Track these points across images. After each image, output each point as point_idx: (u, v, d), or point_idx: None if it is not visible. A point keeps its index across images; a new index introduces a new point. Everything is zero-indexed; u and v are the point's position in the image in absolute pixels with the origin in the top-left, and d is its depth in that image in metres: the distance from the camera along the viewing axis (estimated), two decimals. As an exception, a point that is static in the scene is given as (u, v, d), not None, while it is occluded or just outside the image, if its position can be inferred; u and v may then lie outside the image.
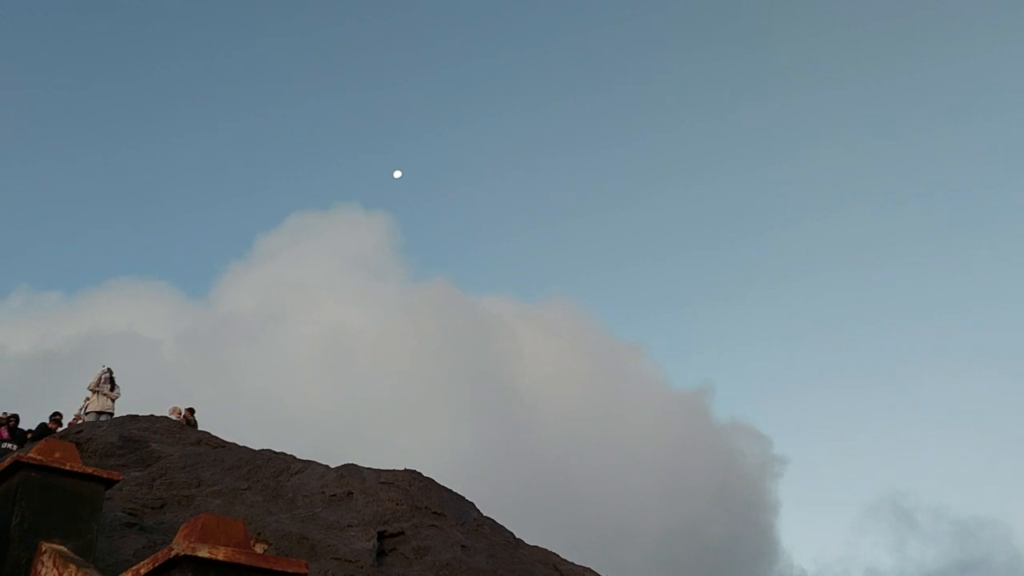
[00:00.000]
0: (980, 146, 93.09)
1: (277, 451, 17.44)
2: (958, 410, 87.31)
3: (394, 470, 16.88)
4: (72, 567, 8.32)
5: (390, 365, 58.74)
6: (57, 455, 9.34)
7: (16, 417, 19.21)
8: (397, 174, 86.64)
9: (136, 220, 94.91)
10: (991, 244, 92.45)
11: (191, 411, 19.48)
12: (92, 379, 20.30)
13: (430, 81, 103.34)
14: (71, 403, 20.95)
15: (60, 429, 18.56)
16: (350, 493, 15.42)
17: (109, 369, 20.20)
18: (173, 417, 19.09)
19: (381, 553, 13.89)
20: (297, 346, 59.26)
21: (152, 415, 18.93)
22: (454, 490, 16.58)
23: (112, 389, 20.24)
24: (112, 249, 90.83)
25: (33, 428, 19.06)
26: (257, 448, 17.56)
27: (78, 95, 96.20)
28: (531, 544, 16.25)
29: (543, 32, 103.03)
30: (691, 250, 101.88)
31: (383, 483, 16.05)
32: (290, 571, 6.74)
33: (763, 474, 63.30)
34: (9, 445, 18.07)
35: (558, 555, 16.30)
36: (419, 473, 16.85)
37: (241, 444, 17.91)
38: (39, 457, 9.22)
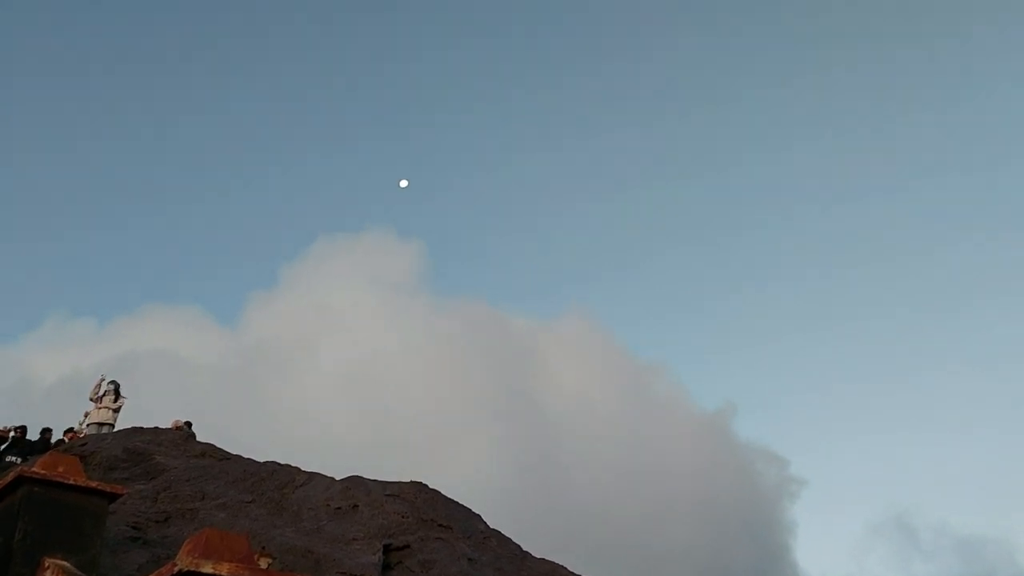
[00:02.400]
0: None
1: (282, 463, 17.36)
2: (966, 423, 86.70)
3: (400, 482, 16.79)
4: (75, 583, 8.24)
5: (416, 387, 58.68)
6: (61, 469, 9.26)
7: (23, 429, 19.13)
8: (403, 183, 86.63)
9: (166, 244, 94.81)
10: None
11: (188, 424, 19.43)
12: (90, 389, 20.13)
13: (444, 96, 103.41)
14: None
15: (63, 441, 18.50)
16: (355, 506, 15.32)
17: (113, 382, 20.09)
18: (175, 429, 19.00)
19: (387, 567, 13.79)
20: (325, 370, 59.23)
21: (156, 427, 18.86)
22: (462, 503, 16.48)
23: (115, 400, 20.16)
24: (143, 274, 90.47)
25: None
26: (262, 460, 17.48)
27: (107, 123, 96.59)
28: (538, 557, 16.12)
29: (562, 50, 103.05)
30: (708, 268, 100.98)
31: (389, 495, 15.95)
32: (295, 587, 6.66)
33: (780, 495, 63.10)
34: (13, 458, 18.00)
35: (565, 568, 16.18)
36: (425, 485, 16.76)
37: (246, 456, 17.83)
38: (42, 471, 9.15)
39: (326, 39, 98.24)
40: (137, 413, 20.56)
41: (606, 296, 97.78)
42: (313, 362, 60.17)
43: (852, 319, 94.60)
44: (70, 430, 18.94)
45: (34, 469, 9.23)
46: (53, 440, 18.82)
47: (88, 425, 20.02)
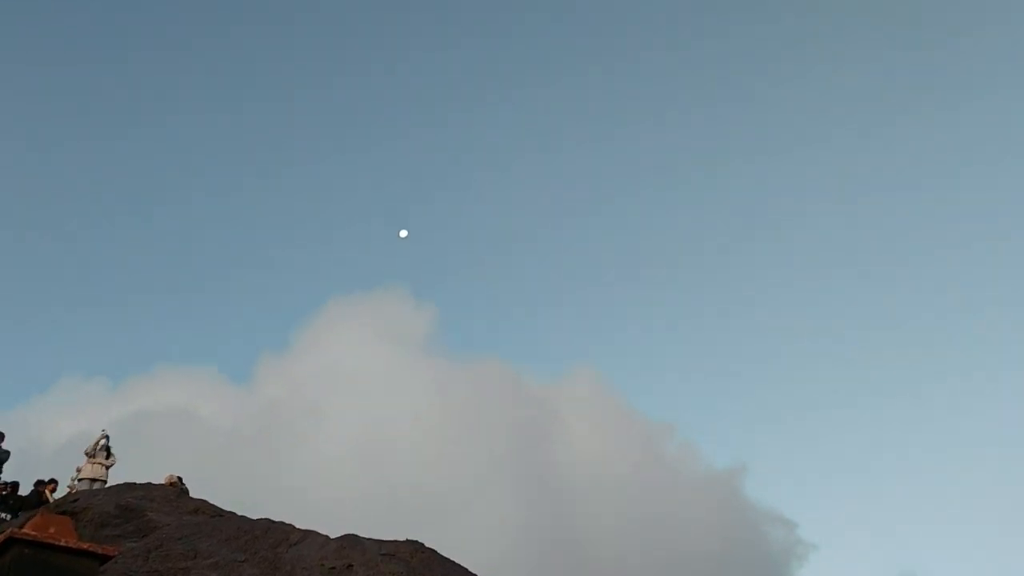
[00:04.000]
0: None
1: (276, 520, 17.09)
2: (973, 489, 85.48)
3: (396, 541, 16.51)
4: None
5: (429, 447, 58.10)
6: (52, 530, 9.09)
7: (15, 485, 18.87)
8: (403, 233, 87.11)
9: (180, 305, 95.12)
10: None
11: (180, 479, 19.19)
12: (89, 444, 19.93)
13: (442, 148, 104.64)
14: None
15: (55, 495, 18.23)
16: (350, 565, 15.04)
17: (107, 436, 19.87)
18: (168, 484, 18.75)
19: (381, 629, 13.47)
20: (336, 432, 58.73)
21: (149, 483, 18.62)
22: (460, 563, 16.18)
23: (108, 456, 19.94)
24: (158, 335, 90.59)
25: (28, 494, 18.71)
26: (255, 517, 17.20)
27: (115, 181, 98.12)
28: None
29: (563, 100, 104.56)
30: (710, 328, 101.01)
31: (384, 555, 15.66)
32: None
33: (789, 557, 62.17)
34: (4, 515, 17.74)
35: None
36: (421, 544, 16.48)
37: (240, 513, 17.56)
38: (33, 532, 8.97)
39: (334, 113, 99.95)
40: (145, 469, 20.32)
41: (613, 356, 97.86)
42: (325, 423, 59.72)
43: (865, 383, 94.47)
44: (50, 481, 18.58)
45: (24, 530, 9.06)
46: (31, 490, 18.52)
47: (80, 480, 19.72)
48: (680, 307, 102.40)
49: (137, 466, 21.61)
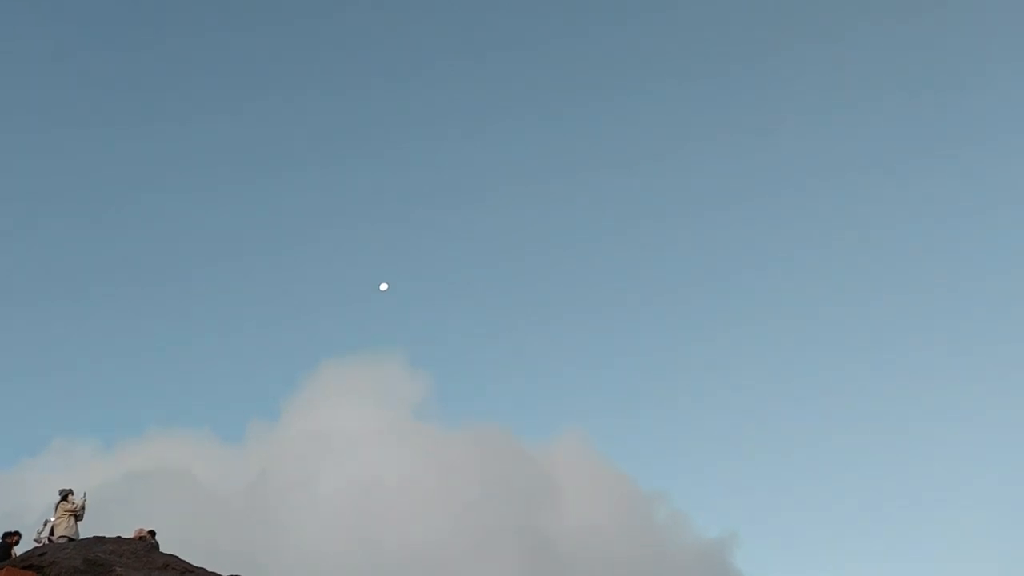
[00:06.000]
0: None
1: (246, 577, 16.90)
2: (971, 552, 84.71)
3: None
4: None
5: (418, 513, 57.53)
6: (16, 584, 9.03)
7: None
8: (383, 287, 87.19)
9: (171, 367, 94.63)
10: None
11: (152, 533, 18.87)
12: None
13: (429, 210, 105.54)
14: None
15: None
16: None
17: (68, 491, 19.36)
18: (137, 539, 18.46)
19: None
20: (327, 495, 58.13)
21: (119, 536, 18.38)
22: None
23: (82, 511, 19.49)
24: (149, 399, 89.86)
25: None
26: (226, 574, 17.01)
27: (105, 248, 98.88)
28: None
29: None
30: (701, 398, 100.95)
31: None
32: None
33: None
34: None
35: None
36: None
37: (210, 569, 17.35)
38: (-3, 586, 8.91)
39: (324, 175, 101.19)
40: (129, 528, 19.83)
41: (602, 419, 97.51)
42: (316, 487, 59.02)
43: (859, 450, 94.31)
44: (13, 533, 18.11)
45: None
46: None
47: (60, 538, 19.10)
48: (666, 372, 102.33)
49: (125, 526, 21.02)
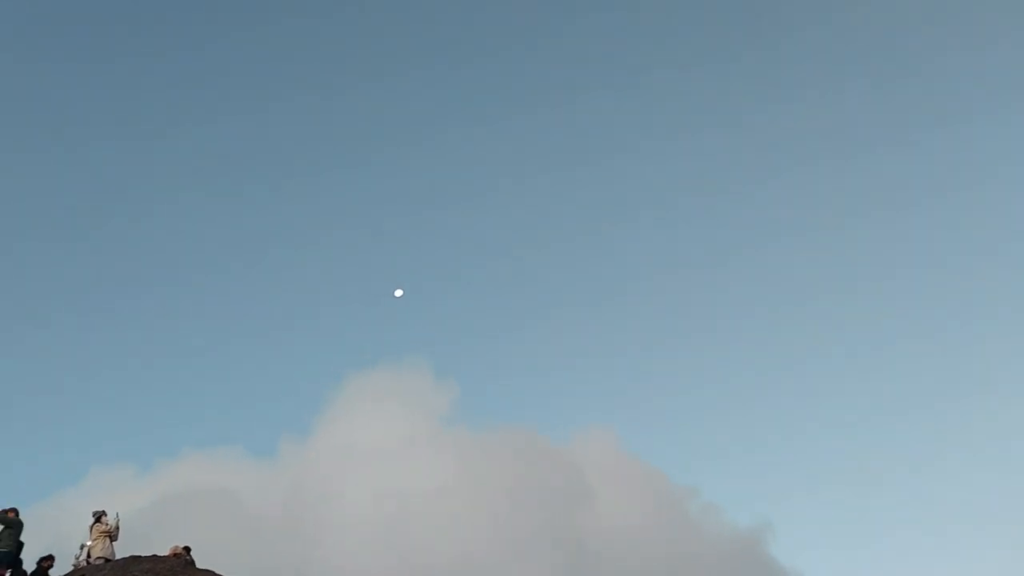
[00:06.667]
0: None
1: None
2: (1008, 551, 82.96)
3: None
4: None
5: (454, 521, 57.71)
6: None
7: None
8: (398, 293, 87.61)
9: (201, 390, 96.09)
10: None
11: (187, 549, 19.22)
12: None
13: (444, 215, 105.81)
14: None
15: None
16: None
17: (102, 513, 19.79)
18: (173, 556, 18.82)
19: None
20: (361, 506, 58.50)
21: (155, 555, 18.72)
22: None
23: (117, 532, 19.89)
24: (181, 421, 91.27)
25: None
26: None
27: (128, 271, 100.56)
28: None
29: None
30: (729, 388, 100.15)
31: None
32: None
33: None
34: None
35: None
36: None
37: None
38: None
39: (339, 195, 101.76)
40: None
41: (626, 420, 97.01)
42: (349, 498, 59.36)
43: (893, 437, 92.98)
44: (48, 557, 18.61)
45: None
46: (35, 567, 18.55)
47: (96, 559, 19.57)
48: (686, 365, 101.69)
49: (164, 546, 21.38)
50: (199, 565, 19.77)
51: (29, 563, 19.39)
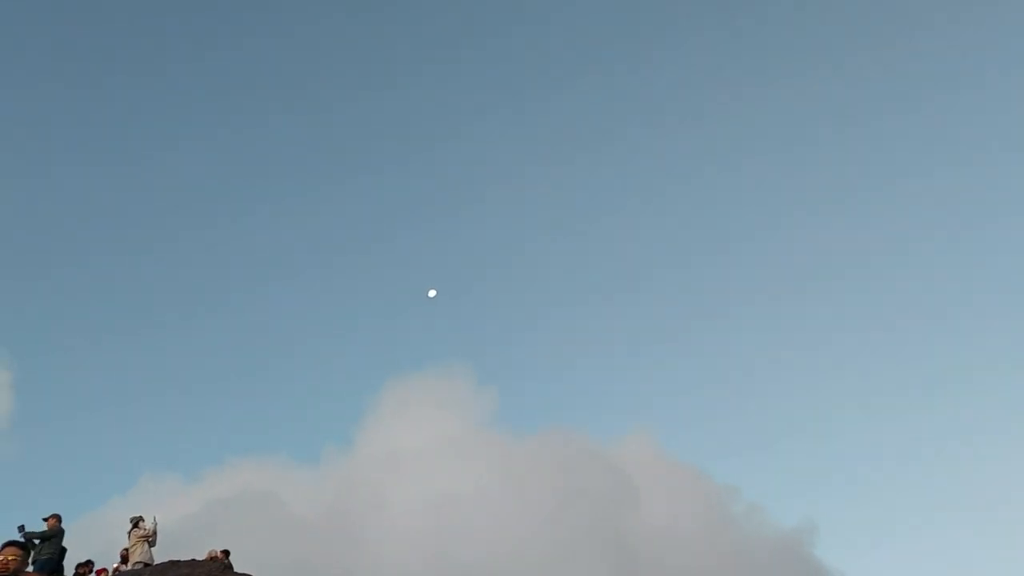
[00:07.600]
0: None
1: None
2: None
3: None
4: None
5: (500, 525, 57.75)
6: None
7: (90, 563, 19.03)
8: (432, 293, 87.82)
9: (245, 400, 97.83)
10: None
11: (226, 553, 19.29)
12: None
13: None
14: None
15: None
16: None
17: (140, 518, 19.98)
18: (210, 559, 18.90)
19: None
20: (407, 512, 58.87)
21: (193, 559, 18.81)
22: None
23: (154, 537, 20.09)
24: (226, 430, 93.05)
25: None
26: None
27: (170, 285, 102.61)
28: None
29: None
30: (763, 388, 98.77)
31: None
32: None
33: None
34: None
35: None
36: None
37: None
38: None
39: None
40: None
41: (667, 420, 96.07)
42: (394, 503, 59.72)
43: (941, 437, 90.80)
44: (87, 563, 18.85)
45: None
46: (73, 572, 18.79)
47: (136, 564, 19.81)
48: (725, 365, 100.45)
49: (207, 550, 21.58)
50: (241, 569, 19.84)
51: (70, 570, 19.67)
